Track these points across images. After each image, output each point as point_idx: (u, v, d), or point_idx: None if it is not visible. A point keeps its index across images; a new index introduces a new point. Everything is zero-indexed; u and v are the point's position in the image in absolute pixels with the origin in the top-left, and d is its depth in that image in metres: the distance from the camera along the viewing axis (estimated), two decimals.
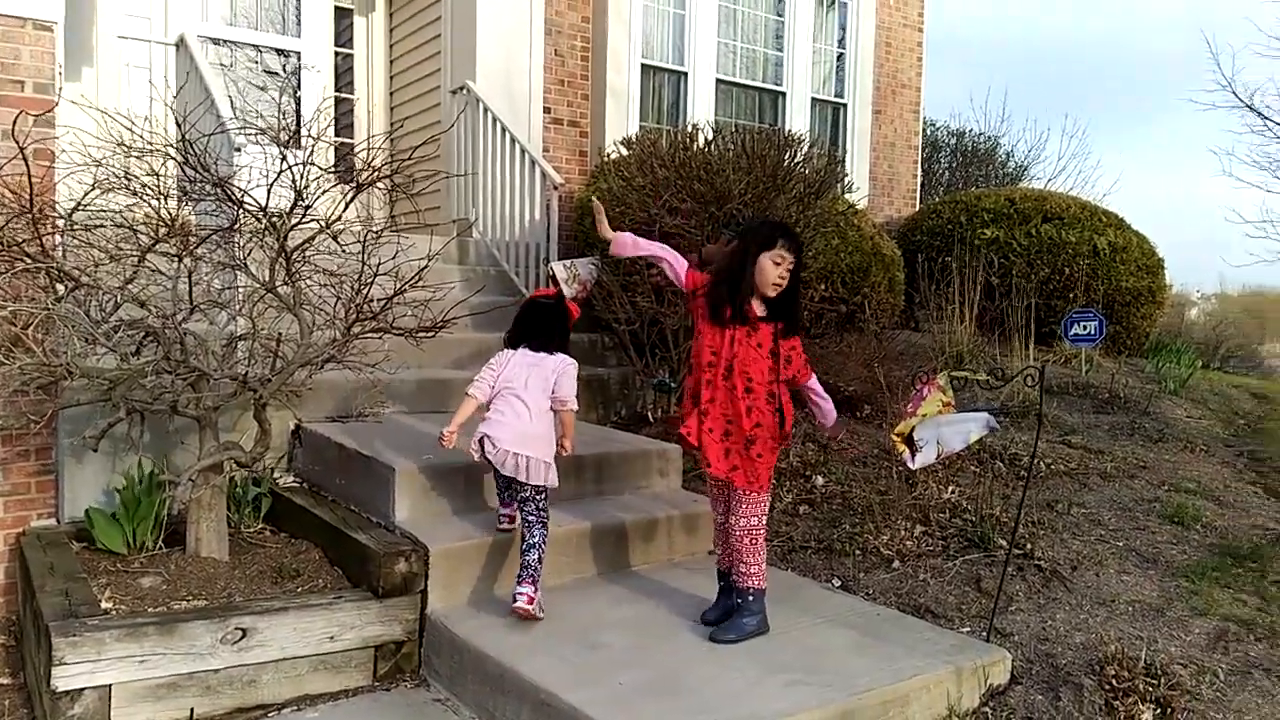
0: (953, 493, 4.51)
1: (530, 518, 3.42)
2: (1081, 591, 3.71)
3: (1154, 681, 3.04)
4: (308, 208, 3.55)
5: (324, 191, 3.62)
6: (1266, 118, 9.47)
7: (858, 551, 4.10)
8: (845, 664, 3.04)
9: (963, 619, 3.56)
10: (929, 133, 12.97)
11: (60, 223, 3.52)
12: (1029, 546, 3.96)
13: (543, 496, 3.45)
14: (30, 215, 3.25)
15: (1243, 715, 2.96)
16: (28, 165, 3.27)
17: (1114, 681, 3.05)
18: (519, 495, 3.48)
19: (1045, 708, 3.04)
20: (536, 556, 3.36)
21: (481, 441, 3.44)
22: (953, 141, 13.84)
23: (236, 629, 3.12)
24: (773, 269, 3.12)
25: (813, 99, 8.68)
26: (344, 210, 3.69)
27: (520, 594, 3.28)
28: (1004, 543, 3.89)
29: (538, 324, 3.61)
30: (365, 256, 3.70)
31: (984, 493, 4.39)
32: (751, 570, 3.22)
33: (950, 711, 3.01)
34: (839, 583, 3.91)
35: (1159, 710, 2.96)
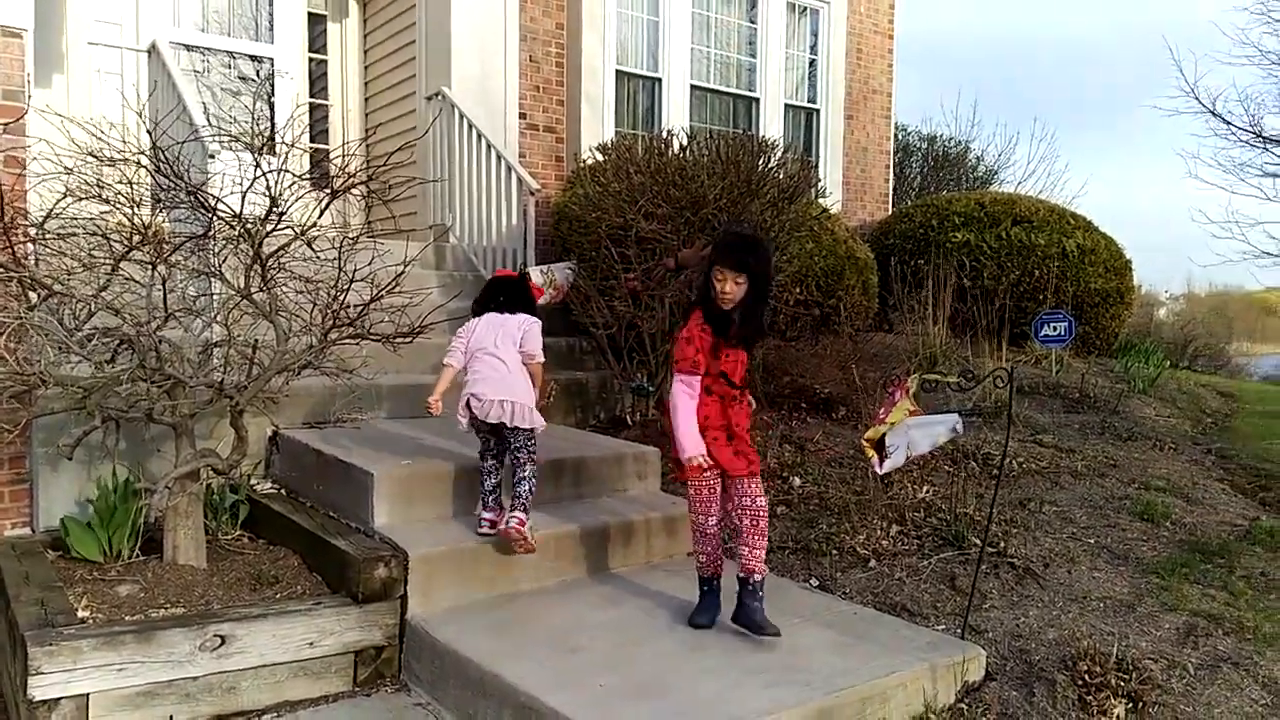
0: (927, 492, 4.57)
1: (520, 456, 3.66)
2: (1054, 588, 3.77)
3: (1125, 676, 3.10)
4: (282, 214, 3.54)
5: (298, 198, 3.62)
6: (1229, 122, 9.65)
7: (835, 551, 4.14)
8: (824, 663, 3.08)
9: (938, 617, 3.61)
10: (900, 137, 13.11)
11: (32, 231, 3.49)
12: (1002, 544, 4.02)
13: (532, 442, 3.71)
14: (1, 224, 3.22)
15: (1212, 708, 3.03)
16: None
17: (1086, 677, 3.11)
18: (510, 445, 3.67)
19: (1020, 703, 3.09)
20: (527, 488, 3.63)
21: (468, 403, 3.64)
22: (924, 146, 14.00)
23: (215, 636, 3.11)
24: (717, 285, 3.20)
25: (786, 104, 8.75)
26: (319, 216, 3.68)
27: (513, 517, 3.55)
28: (978, 541, 3.94)
29: (499, 292, 3.89)
30: (342, 263, 3.70)
31: (958, 492, 4.45)
32: (763, 554, 3.28)
33: (927, 708, 3.05)
34: (816, 582, 3.95)
35: (1130, 704, 3.02)
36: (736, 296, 3.20)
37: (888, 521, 4.31)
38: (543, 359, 3.78)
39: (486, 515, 3.74)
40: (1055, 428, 5.82)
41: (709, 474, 3.28)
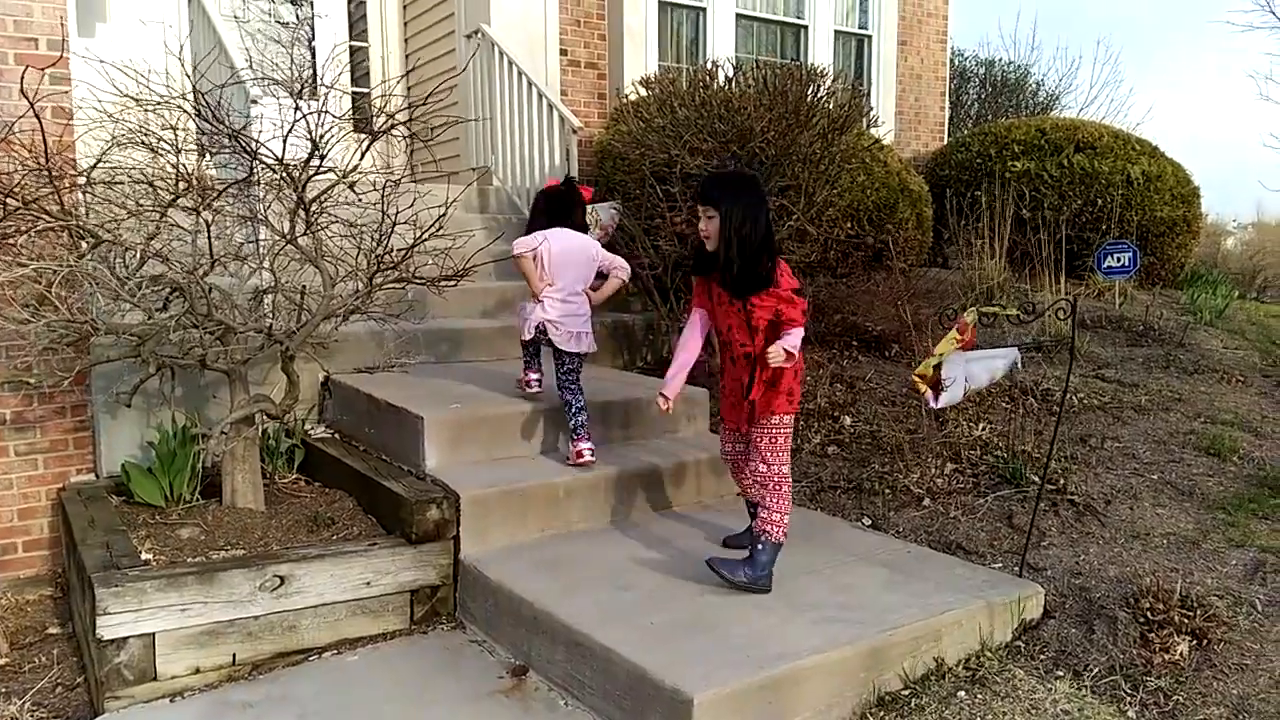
0: (984, 429, 4.47)
1: (573, 387, 3.90)
2: (1115, 525, 3.68)
3: (1190, 613, 3.02)
4: (323, 157, 3.52)
5: (339, 140, 3.59)
6: None
7: (887, 490, 4.09)
8: (876, 601, 3.05)
9: (995, 555, 3.54)
10: (957, 63, 12.62)
11: (80, 180, 3.52)
12: (1062, 482, 3.93)
13: (581, 365, 3.96)
14: (49, 173, 3.24)
15: None
16: (41, 124, 3.26)
17: (1149, 614, 3.04)
18: (565, 367, 3.91)
19: (1079, 641, 3.03)
20: (585, 417, 3.90)
21: (542, 326, 3.88)
22: (981, 72, 13.47)
23: (274, 576, 3.17)
24: (700, 226, 3.17)
25: (836, 31, 8.45)
26: (361, 159, 3.65)
27: (584, 449, 3.83)
28: (1036, 478, 3.85)
29: (562, 208, 3.99)
30: (385, 206, 3.68)
31: (1016, 429, 4.35)
32: (774, 517, 3.15)
33: (983, 646, 3.01)
34: (869, 521, 3.91)
35: (1195, 642, 2.94)
36: (710, 233, 3.10)
37: (942, 460, 4.23)
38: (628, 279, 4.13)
39: (535, 376, 4.12)
40: (1118, 362, 5.65)
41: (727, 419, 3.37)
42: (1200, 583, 3.25)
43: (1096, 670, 2.89)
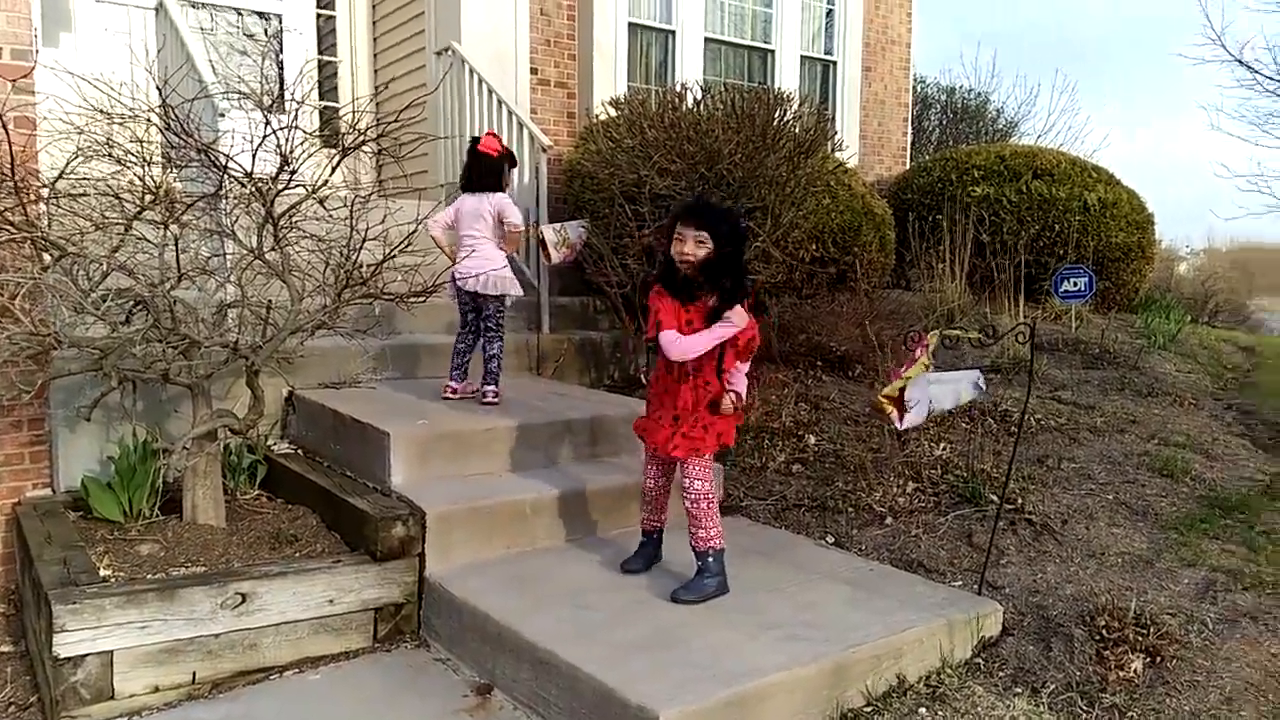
0: (944, 450, 4.55)
1: (492, 331, 4.46)
2: (1072, 544, 3.76)
3: (1144, 631, 3.10)
4: (293, 172, 3.51)
5: (309, 155, 3.58)
6: (1255, 71, 9.33)
7: (850, 509, 4.14)
8: (839, 618, 3.08)
9: (955, 573, 3.60)
10: (919, 89, 12.87)
11: (44, 191, 3.48)
12: (1020, 501, 4.01)
13: (502, 313, 4.50)
14: (13, 184, 3.20)
15: (1230, 662, 3.02)
16: (8, 133, 3.22)
17: (1105, 632, 3.11)
18: (484, 313, 4.45)
19: (1036, 658, 3.09)
20: (498, 363, 4.45)
21: (453, 278, 4.39)
22: (943, 98, 13.74)
23: (236, 594, 3.14)
24: (676, 246, 3.15)
25: (802, 56, 8.59)
26: (330, 174, 3.65)
27: (489, 390, 4.38)
28: (995, 498, 3.93)
29: (478, 172, 4.52)
30: (354, 222, 3.67)
31: (975, 449, 4.43)
32: (706, 534, 3.24)
33: (943, 663, 3.06)
34: (832, 539, 3.95)
35: (1149, 659, 3.01)
36: (697, 258, 3.09)
37: (904, 479, 4.29)
38: (521, 224, 4.59)
39: (454, 385, 4.46)
40: (1074, 384, 5.77)
41: (647, 442, 3.36)
42: (1154, 601, 3.32)
43: (1054, 687, 2.94)
